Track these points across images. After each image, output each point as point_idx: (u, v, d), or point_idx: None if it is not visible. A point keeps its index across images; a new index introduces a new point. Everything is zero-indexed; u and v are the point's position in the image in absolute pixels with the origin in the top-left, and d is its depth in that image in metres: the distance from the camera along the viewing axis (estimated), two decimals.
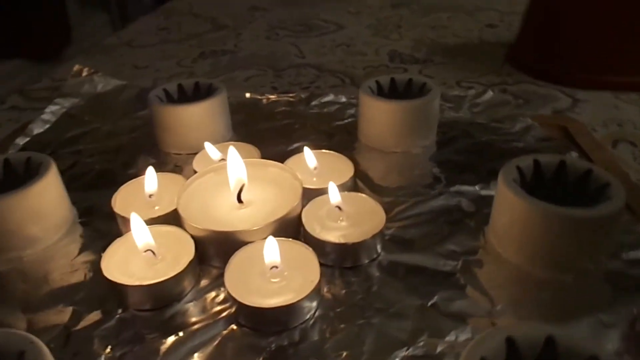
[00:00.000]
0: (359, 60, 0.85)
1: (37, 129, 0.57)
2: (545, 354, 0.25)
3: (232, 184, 0.40)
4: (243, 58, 0.89)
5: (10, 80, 1.13)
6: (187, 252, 0.37)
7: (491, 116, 0.57)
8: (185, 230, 0.39)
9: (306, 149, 0.45)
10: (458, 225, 0.42)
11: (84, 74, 0.65)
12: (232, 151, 0.40)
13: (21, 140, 0.55)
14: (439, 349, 0.31)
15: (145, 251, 0.36)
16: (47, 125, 0.58)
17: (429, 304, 0.34)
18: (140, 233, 0.35)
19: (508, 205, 0.37)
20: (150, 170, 0.43)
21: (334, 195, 0.39)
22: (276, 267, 0.34)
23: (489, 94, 0.60)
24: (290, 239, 0.37)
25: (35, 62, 1.27)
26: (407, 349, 0.31)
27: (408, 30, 0.98)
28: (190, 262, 0.36)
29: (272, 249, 0.34)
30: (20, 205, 0.39)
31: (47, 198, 0.41)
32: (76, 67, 0.65)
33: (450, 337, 0.32)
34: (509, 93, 0.68)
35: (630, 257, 0.37)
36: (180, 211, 0.39)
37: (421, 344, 0.32)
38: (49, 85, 0.83)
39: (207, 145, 0.47)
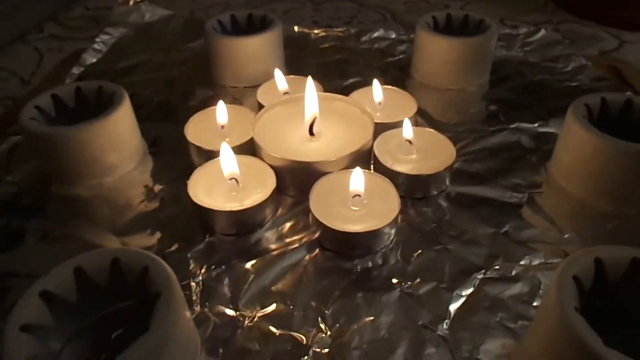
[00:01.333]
0: None
1: (90, 58, 0.58)
2: (630, 272, 0.27)
3: (307, 116, 0.41)
4: None
5: (37, 4, 1.11)
6: (268, 181, 0.38)
7: (544, 55, 0.57)
8: (263, 160, 0.40)
9: (375, 83, 0.46)
10: (520, 161, 0.43)
11: (131, 2, 0.64)
12: (310, 83, 0.41)
13: (76, 70, 0.56)
14: (514, 272, 0.34)
15: (230, 179, 0.38)
16: (100, 56, 0.58)
17: (501, 232, 0.37)
18: (228, 162, 0.37)
19: (577, 141, 0.38)
20: (221, 104, 0.43)
21: (407, 130, 0.40)
22: (359, 195, 0.36)
23: (542, 32, 0.60)
24: (368, 171, 0.38)
25: None
26: (485, 272, 0.34)
27: None
28: (273, 190, 0.37)
29: (358, 179, 0.35)
30: (102, 132, 0.40)
31: (124, 126, 0.42)
32: None
33: (525, 262, 0.34)
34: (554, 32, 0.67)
35: None
36: (258, 141, 0.40)
37: (497, 267, 0.34)
38: (83, 14, 0.82)
39: (277, 74, 0.47)
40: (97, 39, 0.59)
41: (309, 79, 0.42)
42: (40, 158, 0.42)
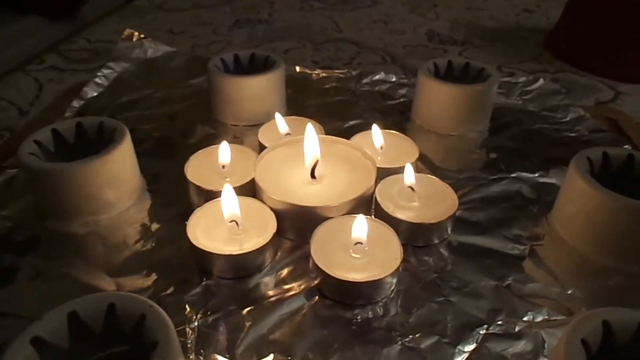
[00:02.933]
0: (397, 38, 0.85)
1: (91, 92, 0.58)
2: (638, 336, 0.27)
3: (308, 159, 0.41)
4: (279, 29, 0.89)
5: (29, 37, 1.12)
6: (268, 224, 0.38)
7: (542, 104, 0.58)
8: (262, 202, 0.40)
9: (375, 127, 0.46)
10: (521, 211, 0.43)
11: (134, 38, 0.64)
12: (310, 127, 0.41)
13: (77, 103, 0.55)
14: (517, 328, 0.33)
15: (230, 222, 0.37)
16: (101, 89, 0.58)
17: (504, 285, 0.36)
18: (229, 204, 0.36)
19: (578, 194, 0.38)
20: (225, 144, 0.43)
21: (409, 176, 0.40)
22: (361, 243, 0.35)
23: (540, 82, 0.61)
24: (372, 217, 0.38)
25: (51, 20, 1.25)
26: (488, 327, 0.33)
27: (444, 9, 0.98)
28: (274, 235, 0.37)
29: (360, 227, 0.35)
30: (102, 169, 0.40)
31: (124, 164, 0.42)
32: (127, 32, 0.64)
33: (528, 317, 0.34)
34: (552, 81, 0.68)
35: None
36: (259, 183, 0.40)
37: (500, 322, 0.33)
38: (85, 46, 0.83)
39: (278, 117, 0.47)
40: (99, 73, 0.59)
41: (309, 123, 0.42)
42: (37, 193, 0.41)
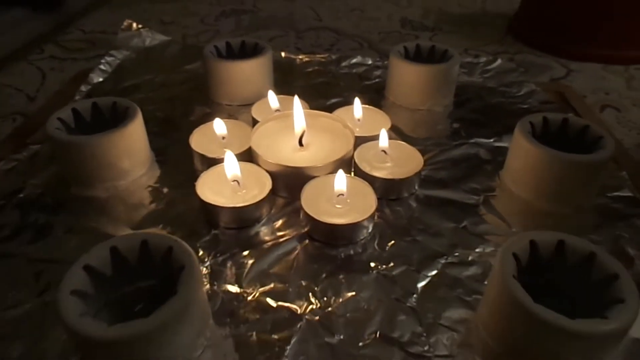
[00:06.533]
0: (373, 25, 0.92)
1: (97, 78, 0.64)
2: (557, 252, 0.35)
3: (297, 129, 0.48)
4: (264, 18, 0.95)
5: (17, 28, 1.16)
6: (265, 183, 0.45)
7: (500, 81, 0.66)
8: (259, 166, 0.47)
9: (357, 101, 0.53)
10: (478, 169, 0.51)
11: (133, 28, 0.70)
12: (297, 101, 0.48)
13: (84, 88, 0.62)
14: (470, 258, 0.41)
15: (233, 181, 0.44)
16: (105, 75, 0.65)
17: (460, 226, 0.44)
18: (232, 166, 0.43)
19: (523, 152, 0.46)
20: (218, 120, 0.50)
21: (384, 140, 0.48)
22: (342, 194, 0.43)
23: (498, 61, 0.68)
24: (350, 175, 0.45)
25: (36, 12, 1.29)
26: (447, 258, 0.41)
27: None
28: (270, 190, 0.44)
29: (341, 181, 0.42)
30: (119, 141, 0.46)
31: (137, 136, 0.48)
32: (126, 22, 0.70)
33: (479, 249, 0.42)
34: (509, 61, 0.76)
35: (613, 195, 0.47)
36: (256, 149, 0.47)
37: (456, 254, 0.41)
38: (81, 37, 0.88)
39: (270, 94, 0.54)
40: (103, 60, 0.65)
41: (296, 97, 0.49)
42: (63, 163, 0.47)
